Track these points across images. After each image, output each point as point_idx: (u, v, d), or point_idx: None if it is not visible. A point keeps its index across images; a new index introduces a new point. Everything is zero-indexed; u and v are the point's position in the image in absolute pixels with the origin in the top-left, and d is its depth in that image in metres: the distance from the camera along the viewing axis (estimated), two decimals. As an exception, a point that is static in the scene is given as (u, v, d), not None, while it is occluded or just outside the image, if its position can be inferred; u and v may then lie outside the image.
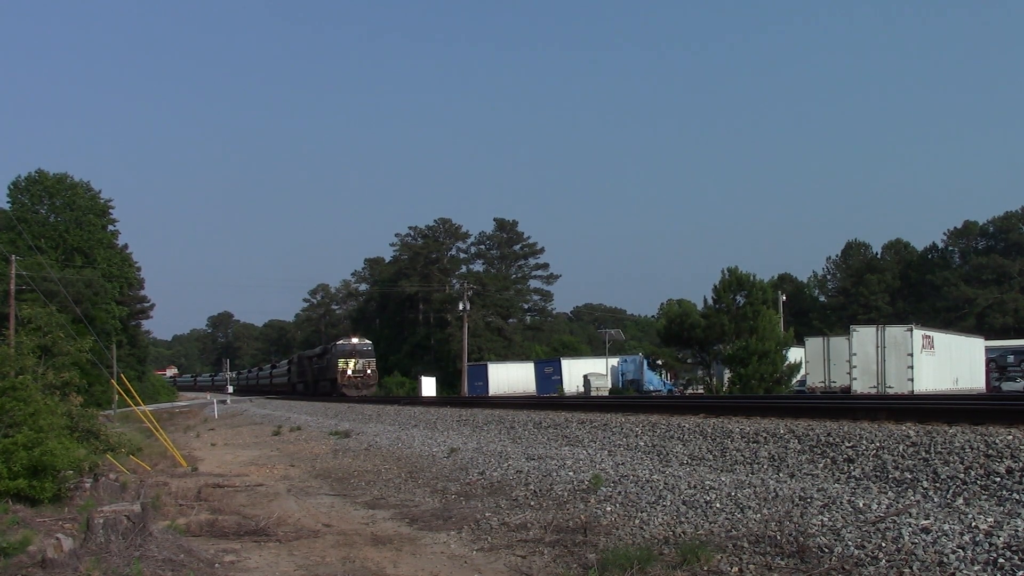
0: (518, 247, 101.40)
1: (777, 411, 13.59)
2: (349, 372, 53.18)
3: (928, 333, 35.00)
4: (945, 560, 6.18)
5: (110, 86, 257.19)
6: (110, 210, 65.58)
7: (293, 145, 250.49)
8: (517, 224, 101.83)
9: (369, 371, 54.23)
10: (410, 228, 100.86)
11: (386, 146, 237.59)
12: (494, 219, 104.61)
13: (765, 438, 11.21)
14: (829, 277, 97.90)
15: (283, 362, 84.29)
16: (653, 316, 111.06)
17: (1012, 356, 42.37)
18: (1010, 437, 8.71)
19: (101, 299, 55.28)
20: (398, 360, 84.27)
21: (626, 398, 32.57)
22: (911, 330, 33.02)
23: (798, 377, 41.02)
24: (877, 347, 32.83)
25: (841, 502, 7.93)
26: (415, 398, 40.44)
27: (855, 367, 33.08)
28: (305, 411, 38.38)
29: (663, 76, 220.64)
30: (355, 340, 56.92)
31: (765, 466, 10.30)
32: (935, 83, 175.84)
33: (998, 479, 7.85)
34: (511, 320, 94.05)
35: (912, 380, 31.90)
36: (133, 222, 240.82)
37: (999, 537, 6.37)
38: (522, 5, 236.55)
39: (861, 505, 7.76)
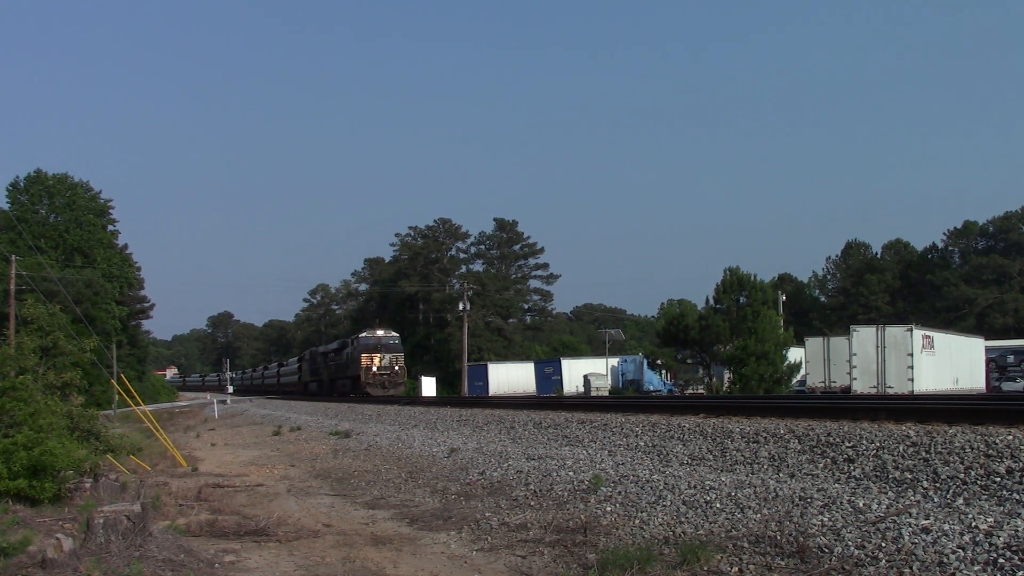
0: (518, 247, 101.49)
1: (777, 411, 13.58)
2: (374, 369, 45.71)
3: (928, 333, 35.00)
4: (945, 560, 6.18)
5: (110, 86, 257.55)
6: (110, 210, 65.69)
7: (293, 145, 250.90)
8: (517, 224, 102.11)
9: (397, 367, 46.76)
10: (410, 228, 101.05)
11: (386, 146, 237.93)
12: (494, 219, 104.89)
13: (765, 438, 11.20)
14: (829, 277, 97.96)
15: (292, 360, 78.65)
16: (653, 316, 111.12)
17: (1012, 356, 42.38)
18: (1010, 437, 8.71)
19: (101, 299, 55.28)
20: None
21: (626, 398, 32.56)
22: (911, 330, 33.02)
23: (798, 377, 41.03)
24: (877, 347, 32.83)
25: (841, 502, 7.93)
26: (415, 398, 40.41)
27: (855, 367, 33.08)
28: (305, 411, 38.38)
29: (663, 76, 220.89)
30: (380, 332, 49.20)
31: (765, 466, 10.29)
32: (935, 83, 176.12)
33: (998, 479, 7.84)
34: (511, 320, 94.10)
35: (912, 380, 31.90)
36: (133, 222, 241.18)
37: (999, 537, 6.36)
38: (522, 5, 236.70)
39: (861, 505, 7.76)
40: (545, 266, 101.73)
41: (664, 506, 9.06)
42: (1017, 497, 7.38)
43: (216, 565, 7.91)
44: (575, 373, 53.46)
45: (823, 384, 35.92)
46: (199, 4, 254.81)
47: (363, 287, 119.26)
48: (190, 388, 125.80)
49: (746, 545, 7.30)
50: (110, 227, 65.63)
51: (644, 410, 16.65)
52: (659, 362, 55.07)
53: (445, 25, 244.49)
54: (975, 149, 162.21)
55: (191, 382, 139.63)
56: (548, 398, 36.92)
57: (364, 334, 49.03)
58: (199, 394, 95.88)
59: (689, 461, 11.48)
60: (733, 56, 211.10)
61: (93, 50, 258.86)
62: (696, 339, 47.99)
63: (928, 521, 6.99)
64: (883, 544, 6.70)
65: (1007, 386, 38.69)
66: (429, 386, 56.11)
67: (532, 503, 10.35)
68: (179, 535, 8.53)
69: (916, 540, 6.62)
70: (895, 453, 9.18)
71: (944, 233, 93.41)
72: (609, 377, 51.76)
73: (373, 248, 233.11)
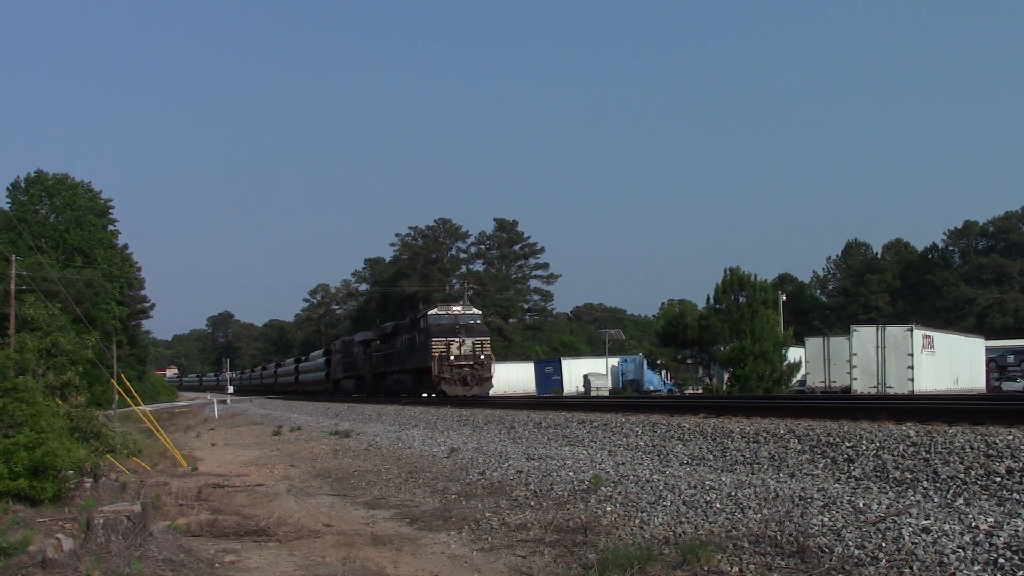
0: (518, 247, 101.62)
1: (777, 411, 13.59)
2: (452, 358, 33.37)
3: (928, 333, 35.03)
4: (945, 560, 6.18)
5: (110, 86, 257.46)
6: (110, 210, 65.69)
7: (293, 145, 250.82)
8: (517, 224, 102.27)
9: (483, 356, 34.01)
10: (410, 228, 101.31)
11: (386, 146, 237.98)
12: (494, 219, 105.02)
13: (765, 438, 11.21)
14: (829, 277, 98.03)
15: (316, 353, 68.79)
16: (653, 316, 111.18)
17: (1012, 356, 42.40)
18: (1010, 437, 8.71)
19: (101, 299, 55.27)
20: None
21: (626, 398, 32.58)
22: (911, 330, 33.05)
23: (798, 377, 41.07)
24: (877, 347, 32.85)
25: (841, 502, 7.93)
26: (415, 398, 40.43)
27: (855, 367, 33.10)
28: (305, 411, 38.40)
29: (663, 76, 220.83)
30: (457, 308, 36.31)
31: (765, 466, 10.29)
32: (935, 83, 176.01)
33: (998, 479, 7.85)
34: (511, 320, 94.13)
35: (912, 380, 31.93)
36: (133, 222, 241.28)
37: (999, 537, 6.36)
38: (522, 5, 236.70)
39: (861, 505, 7.76)
40: (545, 266, 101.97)
41: (664, 506, 9.06)
42: (1017, 497, 7.38)
43: (216, 565, 7.91)
44: (575, 373, 53.48)
45: (823, 384, 35.94)
46: (200, 5, 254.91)
47: (363, 287, 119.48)
48: (206, 388, 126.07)
49: (746, 545, 7.30)
50: (110, 227, 65.67)
51: (644, 410, 16.65)
52: (659, 362, 55.12)
53: (445, 25, 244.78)
54: (975, 149, 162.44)
55: (207, 382, 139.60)
56: (548, 398, 36.93)
57: (435, 311, 35.98)
58: (212, 394, 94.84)
59: (689, 461, 11.48)
60: (733, 56, 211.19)
61: (93, 50, 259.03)
62: (696, 339, 48.07)
63: (928, 521, 6.99)
64: (883, 544, 6.70)
65: (1007, 386, 38.71)
66: (429, 386, 55.81)
67: (532, 503, 10.35)
68: (179, 535, 8.53)
69: (916, 540, 6.62)
70: (895, 453, 9.19)
71: (944, 233, 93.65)
72: (609, 377, 51.83)
73: (373, 248, 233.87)
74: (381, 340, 43.19)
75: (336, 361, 54.21)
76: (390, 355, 40.94)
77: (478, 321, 35.88)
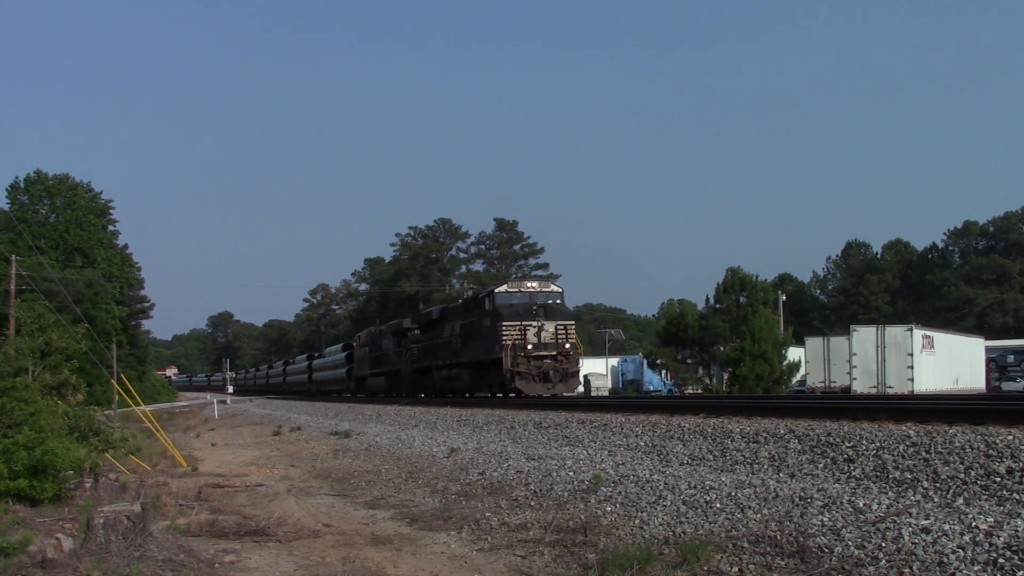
0: (518, 247, 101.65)
1: (777, 411, 13.58)
2: (529, 347, 25.86)
3: (928, 333, 35.08)
4: (945, 560, 6.18)
5: (110, 87, 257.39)
6: (110, 210, 65.77)
7: (293, 145, 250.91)
8: (517, 224, 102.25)
9: (568, 346, 26.33)
10: (410, 228, 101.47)
11: (386, 146, 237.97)
12: (494, 219, 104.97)
13: (765, 438, 11.20)
14: (829, 277, 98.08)
15: (333, 348, 61.18)
16: (653, 316, 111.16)
17: (1012, 356, 42.48)
18: (1010, 437, 8.71)
19: (101, 299, 55.29)
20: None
21: (626, 398, 32.60)
22: (911, 330, 33.09)
23: (798, 377, 41.11)
24: (877, 347, 32.88)
25: (841, 502, 7.93)
26: (415, 398, 40.40)
27: (855, 367, 33.14)
28: (305, 411, 38.42)
29: (663, 76, 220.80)
30: (533, 284, 28.99)
31: (765, 466, 10.29)
32: (935, 83, 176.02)
33: (998, 479, 7.84)
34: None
35: (912, 380, 31.97)
36: (133, 222, 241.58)
37: (999, 537, 6.36)
38: (521, 5, 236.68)
39: (861, 505, 7.76)
40: (545, 266, 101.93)
41: (664, 506, 9.06)
42: (1017, 497, 7.38)
43: (216, 565, 7.91)
44: (575, 373, 53.33)
45: (823, 384, 35.97)
46: (200, 5, 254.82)
47: (363, 287, 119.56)
48: (214, 387, 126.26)
49: (746, 545, 7.30)
50: (110, 227, 65.73)
51: (644, 410, 16.64)
52: (659, 362, 55.17)
53: (445, 25, 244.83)
54: (975, 149, 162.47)
55: (215, 381, 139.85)
56: (548, 398, 36.89)
57: (503, 288, 28.30)
58: (212, 394, 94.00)
59: (689, 461, 11.47)
60: (733, 56, 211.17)
61: (93, 50, 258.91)
62: (696, 339, 48.10)
63: (928, 521, 6.99)
64: (883, 544, 6.69)
65: (1007, 386, 38.78)
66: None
67: (532, 503, 10.35)
68: (179, 535, 8.52)
69: (916, 540, 6.62)
70: (895, 453, 9.18)
71: (944, 233, 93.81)
72: (609, 377, 51.87)
73: (373, 248, 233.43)
74: (423, 328, 35.69)
75: (360, 356, 46.68)
76: (436, 346, 33.42)
77: (559, 301, 27.87)
